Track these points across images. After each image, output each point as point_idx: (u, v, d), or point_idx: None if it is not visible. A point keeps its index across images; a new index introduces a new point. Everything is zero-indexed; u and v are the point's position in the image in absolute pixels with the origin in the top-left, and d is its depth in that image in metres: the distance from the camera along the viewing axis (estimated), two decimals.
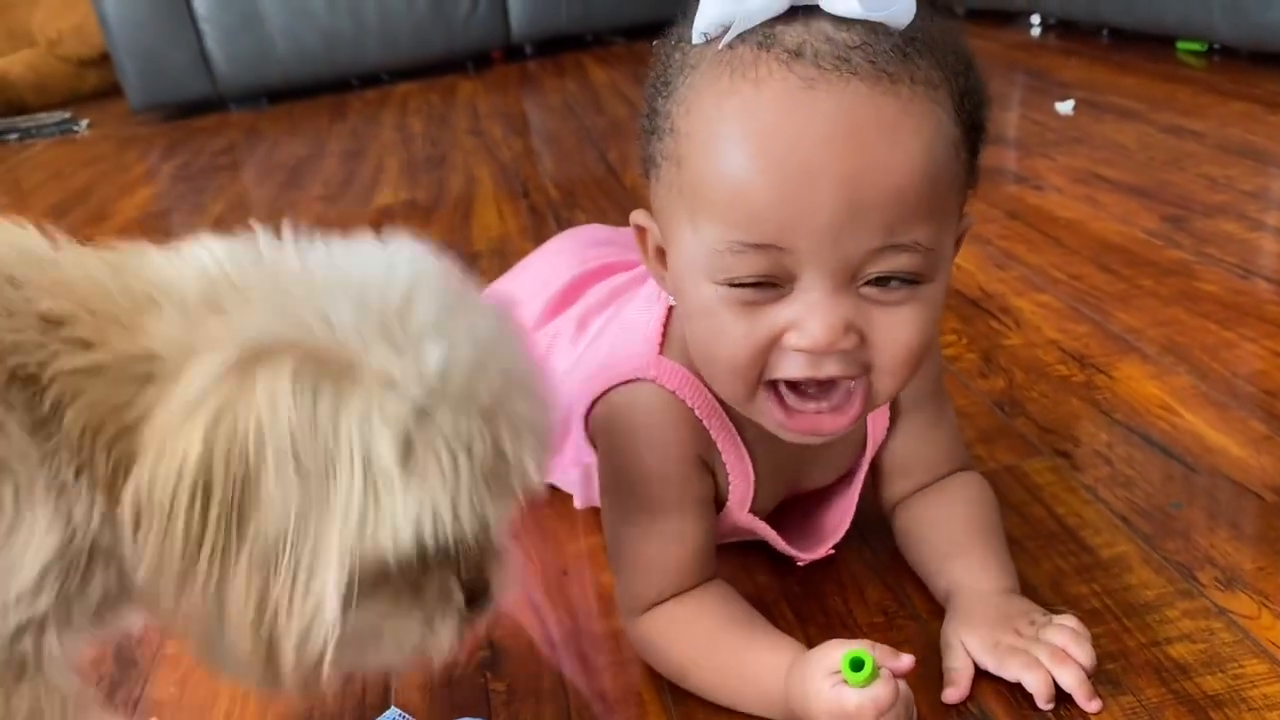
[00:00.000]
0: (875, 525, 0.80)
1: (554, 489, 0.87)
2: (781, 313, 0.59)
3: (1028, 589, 0.71)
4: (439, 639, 0.54)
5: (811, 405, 0.62)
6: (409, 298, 0.49)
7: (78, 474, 0.48)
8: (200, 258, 0.51)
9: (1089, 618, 0.68)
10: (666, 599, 0.69)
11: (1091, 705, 0.62)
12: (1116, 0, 2.34)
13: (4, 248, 0.51)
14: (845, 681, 0.58)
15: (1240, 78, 2.00)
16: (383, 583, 0.50)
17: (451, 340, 0.49)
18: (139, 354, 0.48)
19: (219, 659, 0.51)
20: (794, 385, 0.62)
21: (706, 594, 0.70)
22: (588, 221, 1.45)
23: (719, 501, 0.73)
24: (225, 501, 0.46)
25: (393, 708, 0.68)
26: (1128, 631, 0.68)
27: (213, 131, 3.05)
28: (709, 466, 0.71)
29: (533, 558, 0.85)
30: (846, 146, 0.55)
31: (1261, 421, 0.89)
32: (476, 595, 0.54)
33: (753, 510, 0.74)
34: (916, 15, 0.57)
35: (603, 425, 0.72)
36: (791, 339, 0.59)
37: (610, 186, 1.90)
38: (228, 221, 1.99)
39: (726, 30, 0.58)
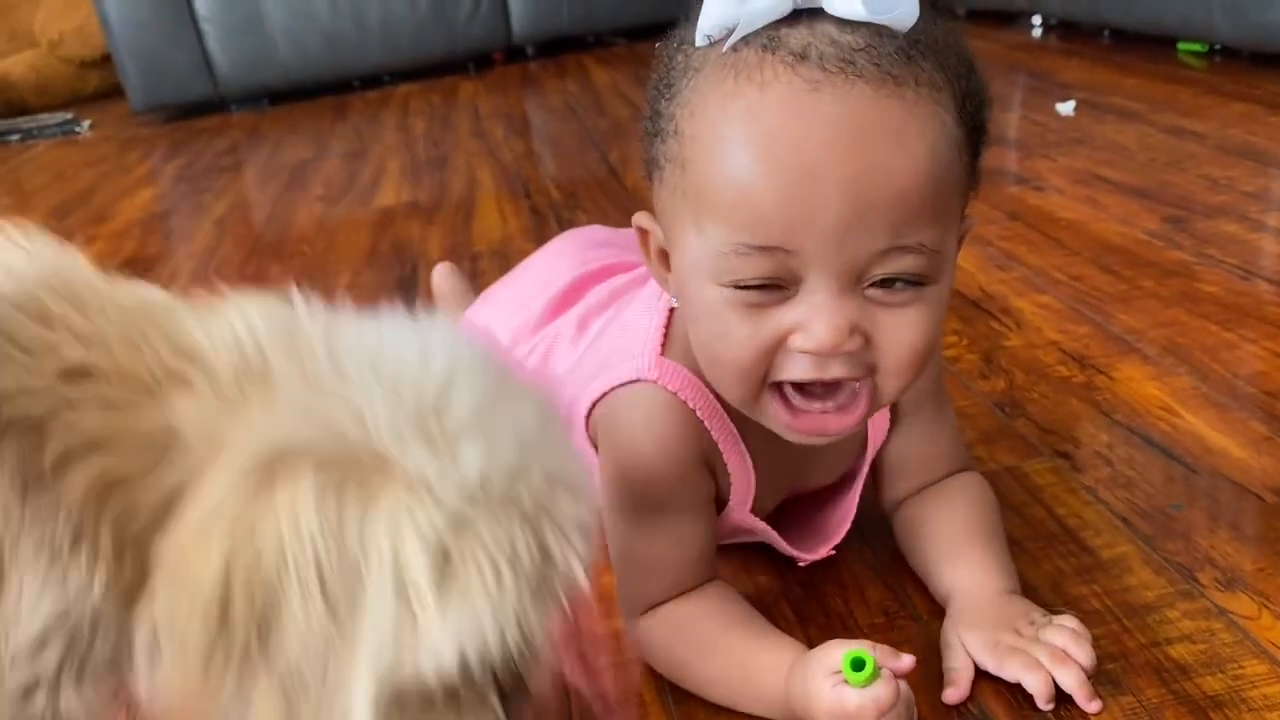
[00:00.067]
0: (876, 526, 0.80)
1: None
2: (786, 315, 0.59)
3: (1028, 590, 0.71)
4: None
5: (817, 405, 0.62)
6: (445, 389, 0.46)
7: (75, 540, 0.45)
8: (235, 328, 0.48)
9: (1089, 618, 0.68)
10: (667, 599, 0.69)
11: (1091, 706, 0.62)
12: (1117, 1, 2.34)
13: (49, 274, 0.49)
14: (846, 681, 0.58)
15: (1241, 78, 2.00)
16: (415, 700, 0.46)
17: (491, 439, 0.45)
18: (161, 430, 0.45)
19: None
20: (799, 386, 0.62)
21: (707, 594, 0.70)
22: (589, 222, 1.45)
23: (720, 502, 0.73)
24: (246, 627, 0.43)
25: None
26: (1128, 632, 0.68)
27: (214, 133, 3.05)
28: (710, 467, 0.71)
29: None
30: (852, 149, 0.55)
31: (1262, 422, 0.89)
32: (513, 693, 0.51)
33: (753, 511, 0.74)
34: (919, 18, 0.57)
35: (604, 426, 0.72)
36: (797, 341, 0.59)
37: (611, 187, 1.90)
38: (230, 221, 2.01)
39: (730, 33, 0.58)
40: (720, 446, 0.70)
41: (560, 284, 0.89)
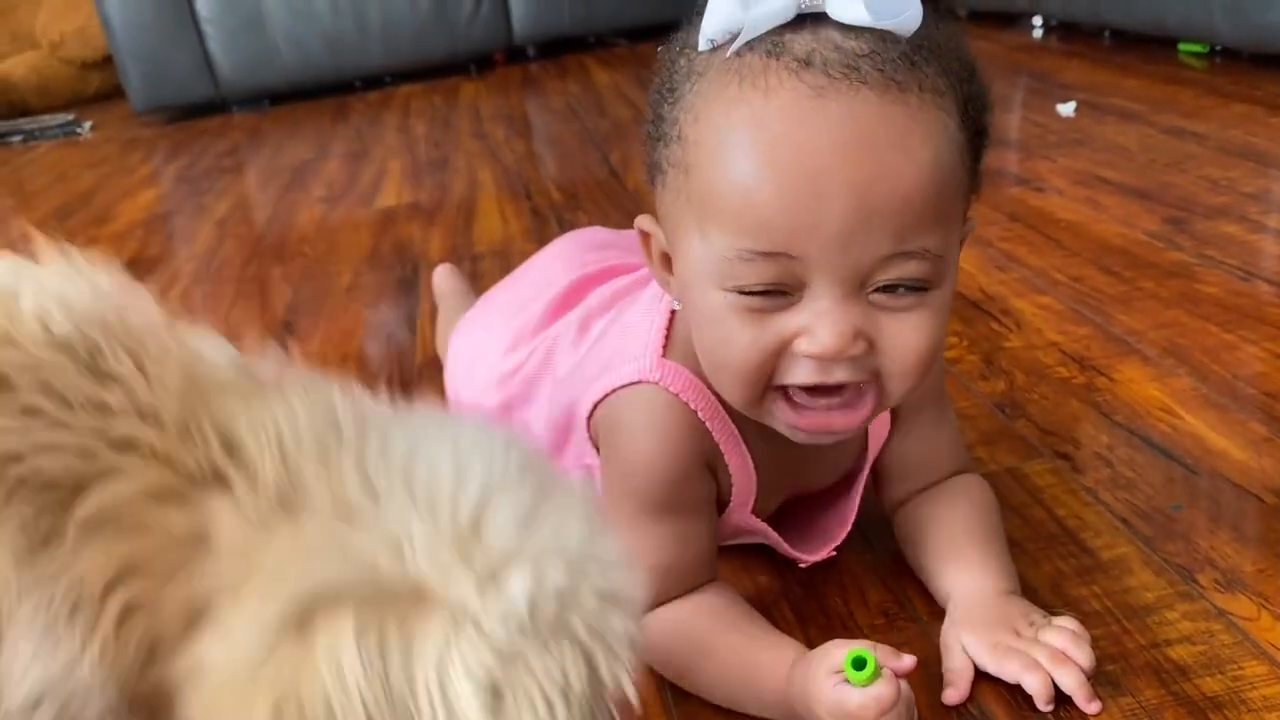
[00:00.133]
0: (877, 527, 0.80)
1: None
2: (791, 319, 0.59)
3: (1028, 591, 0.72)
4: None
5: (822, 402, 0.63)
6: (484, 506, 0.43)
7: (74, 611, 0.42)
8: (279, 426, 0.45)
9: (1089, 619, 0.68)
10: (668, 600, 0.69)
11: (1091, 707, 0.62)
12: (1118, 2, 2.34)
13: (111, 317, 0.46)
14: (847, 681, 0.59)
15: (1241, 79, 2.00)
16: None
17: (537, 561, 0.42)
18: (193, 533, 0.43)
19: None
20: (803, 387, 0.62)
21: (707, 595, 0.70)
22: (590, 223, 1.45)
23: (721, 503, 0.73)
24: None
25: None
26: (1127, 633, 0.68)
27: (215, 134, 3.05)
28: (711, 468, 0.71)
29: None
30: (856, 155, 0.55)
31: (1262, 424, 0.89)
32: None
33: (754, 512, 0.74)
34: (923, 22, 0.57)
35: (605, 427, 0.72)
36: (801, 345, 0.59)
37: (612, 188, 1.90)
38: (231, 223, 2.01)
39: (734, 37, 0.58)
40: (722, 448, 0.70)
41: (561, 286, 0.89)
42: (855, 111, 0.55)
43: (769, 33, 0.57)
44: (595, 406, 0.72)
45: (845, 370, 0.60)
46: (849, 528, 0.77)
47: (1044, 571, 0.75)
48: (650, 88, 0.65)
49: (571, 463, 0.80)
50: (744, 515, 0.74)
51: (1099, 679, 0.64)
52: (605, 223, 1.33)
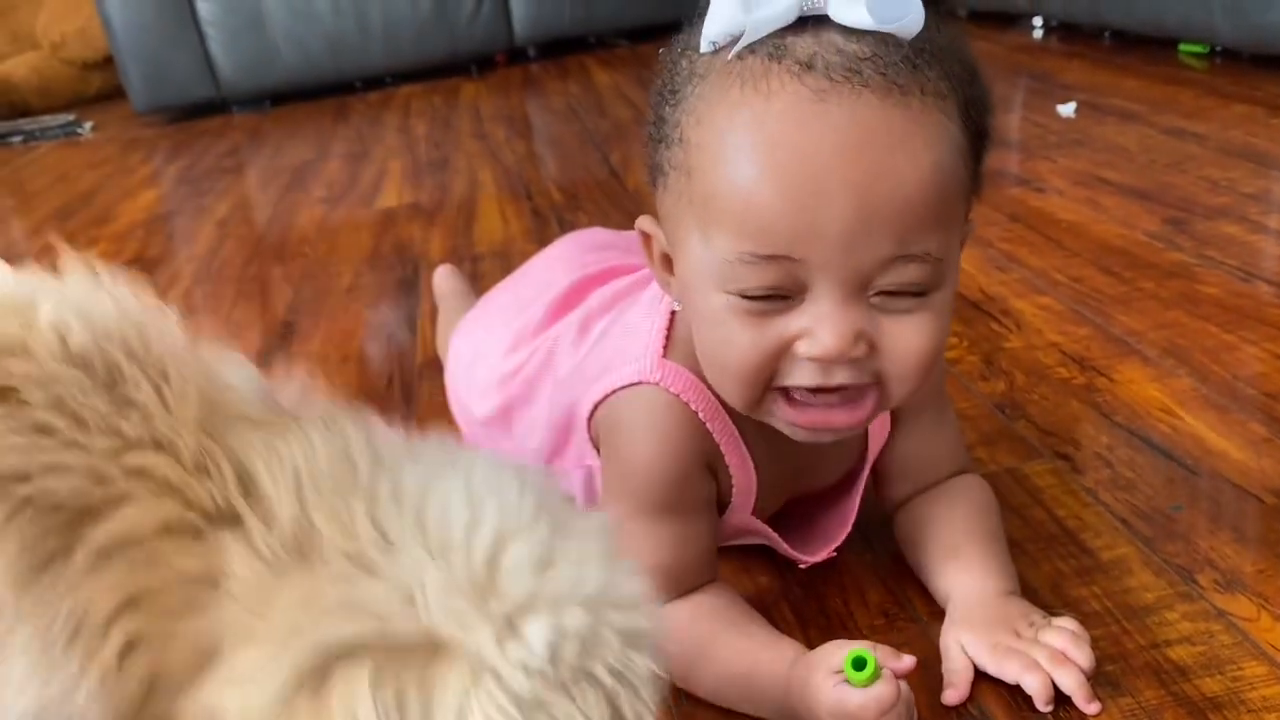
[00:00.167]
0: (877, 528, 0.80)
1: None
2: (792, 322, 0.59)
3: (1028, 591, 0.72)
4: None
5: (823, 399, 0.63)
6: (498, 549, 0.42)
7: (72, 638, 0.41)
8: (297, 462, 0.44)
9: (1089, 620, 0.68)
10: (668, 601, 0.69)
11: (1091, 707, 0.62)
12: (1118, 2, 2.34)
13: (132, 334, 0.45)
14: (847, 681, 0.59)
15: (1242, 80, 2.00)
16: None
17: (556, 605, 0.41)
18: (204, 571, 0.42)
19: None
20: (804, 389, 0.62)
21: (708, 596, 0.70)
22: (590, 224, 1.45)
23: (721, 504, 0.73)
24: None
25: None
26: (1127, 634, 0.69)
27: (216, 134, 3.05)
28: (712, 469, 0.71)
29: None
30: (859, 158, 0.55)
31: (1262, 424, 0.89)
32: None
33: (755, 513, 0.74)
34: (924, 25, 0.57)
35: (606, 428, 0.72)
36: (802, 348, 0.59)
37: (613, 189, 1.91)
38: (231, 223, 2.01)
39: (735, 40, 0.58)
40: (722, 448, 0.71)
41: (561, 287, 0.89)
42: (857, 115, 0.55)
43: (771, 35, 0.58)
44: (596, 407, 0.73)
45: (846, 373, 0.60)
46: (849, 528, 0.77)
47: (1044, 572, 0.75)
48: (651, 89, 0.65)
49: (572, 464, 0.80)
50: (744, 516, 0.74)
51: (1099, 679, 0.64)
52: (605, 223, 1.33)
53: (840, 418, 0.63)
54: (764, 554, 0.79)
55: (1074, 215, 1.43)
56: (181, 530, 0.42)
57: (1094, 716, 0.62)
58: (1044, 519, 0.81)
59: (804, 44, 0.57)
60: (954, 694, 0.65)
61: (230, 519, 0.43)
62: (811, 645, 0.64)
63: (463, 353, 0.98)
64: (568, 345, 0.83)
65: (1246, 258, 1.21)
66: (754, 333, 0.60)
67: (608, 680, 0.42)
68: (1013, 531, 0.78)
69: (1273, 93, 1.88)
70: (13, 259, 0.52)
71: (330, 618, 0.40)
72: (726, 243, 0.58)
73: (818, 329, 0.58)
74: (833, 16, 0.57)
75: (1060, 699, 0.63)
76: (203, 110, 3.32)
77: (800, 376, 0.61)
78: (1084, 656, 0.63)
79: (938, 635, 0.69)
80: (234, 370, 0.49)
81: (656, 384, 0.69)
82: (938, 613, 0.71)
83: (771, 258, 0.57)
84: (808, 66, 0.56)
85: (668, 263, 0.66)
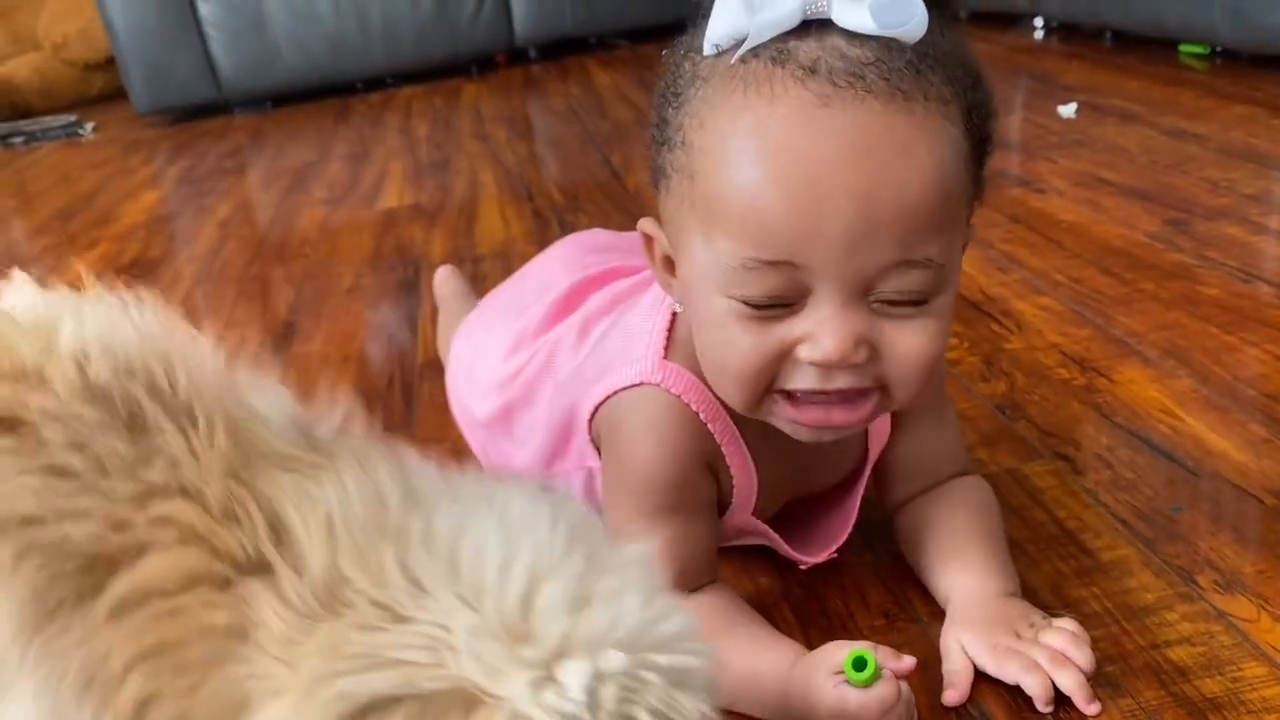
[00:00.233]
0: (877, 528, 0.80)
1: None
2: (794, 326, 0.59)
3: (1028, 592, 0.72)
4: None
5: (823, 397, 0.63)
6: (532, 591, 0.40)
7: (85, 688, 0.40)
8: (330, 505, 0.42)
9: (1089, 620, 0.68)
10: None
11: (1091, 708, 0.62)
12: (1119, 3, 2.34)
13: (157, 362, 0.44)
14: (848, 681, 0.59)
15: (1242, 81, 2.00)
16: None
17: (593, 647, 0.39)
18: (230, 626, 0.40)
19: None
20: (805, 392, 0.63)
21: (708, 596, 0.70)
22: (591, 225, 1.45)
23: (722, 504, 0.73)
24: None
25: None
26: (1127, 634, 0.69)
27: (217, 135, 3.06)
28: (712, 469, 0.71)
29: None
30: (861, 164, 0.56)
31: (1262, 425, 0.89)
32: None
33: (756, 513, 0.74)
34: (928, 30, 0.57)
35: (607, 429, 0.72)
36: (804, 352, 0.60)
37: (614, 190, 1.91)
38: (233, 224, 2.01)
39: (739, 43, 0.58)
40: (723, 449, 0.71)
41: (562, 289, 0.89)
42: (860, 120, 0.56)
43: (774, 39, 0.58)
44: (597, 409, 0.73)
45: (847, 377, 0.60)
46: (850, 529, 0.78)
47: (1044, 573, 0.75)
48: (654, 91, 0.65)
49: (573, 465, 0.81)
50: (745, 516, 0.74)
51: (1099, 680, 0.64)
52: (606, 224, 1.33)
53: (840, 416, 0.63)
54: (765, 555, 0.79)
55: (1074, 216, 1.43)
56: (208, 581, 0.41)
57: (1094, 717, 0.63)
58: (1044, 520, 0.81)
59: (808, 48, 0.57)
60: (954, 694, 0.65)
61: (261, 568, 0.41)
62: (812, 646, 0.64)
63: (463, 354, 0.98)
64: (568, 347, 0.83)
65: (1247, 259, 1.22)
66: (755, 336, 0.60)
67: None
68: (1013, 532, 0.78)
69: (1273, 93, 1.88)
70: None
71: (360, 669, 0.39)
72: (728, 247, 0.59)
73: (819, 334, 0.58)
74: (836, 21, 0.57)
75: (1060, 700, 0.63)
76: (204, 111, 3.32)
77: (801, 380, 0.61)
78: (1084, 657, 0.63)
79: (938, 636, 0.69)
80: (268, 400, 0.48)
81: (658, 385, 0.69)
82: (938, 613, 0.71)
83: (773, 263, 0.57)
84: (811, 71, 0.56)
85: (669, 265, 0.66)
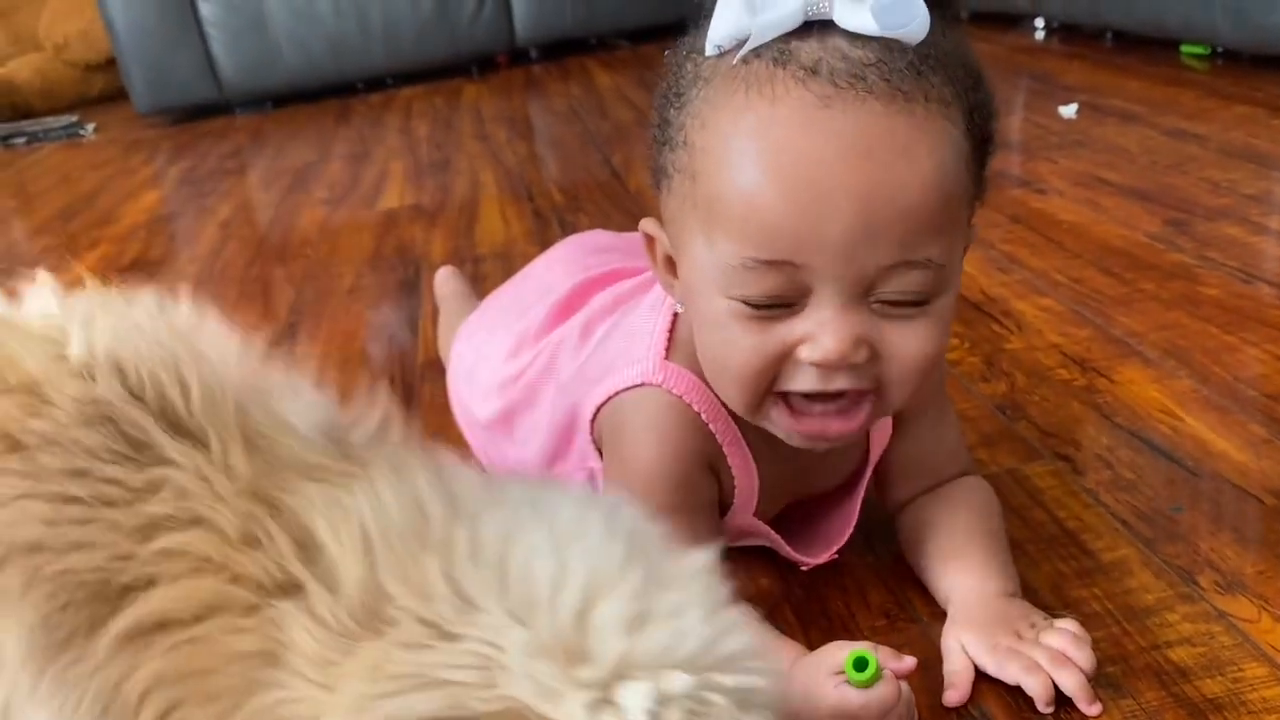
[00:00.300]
0: (878, 529, 0.80)
1: None
2: (794, 326, 0.60)
3: (1028, 592, 0.72)
4: None
5: (819, 408, 0.63)
6: (588, 607, 0.37)
7: (101, 716, 0.38)
8: (364, 518, 0.40)
9: (1089, 621, 0.68)
10: None
11: (1092, 709, 0.63)
12: (1120, 3, 2.34)
13: (175, 373, 0.42)
14: (849, 682, 0.59)
15: (1243, 81, 2.00)
16: None
17: (654, 667, 0.36)
18: (257, 651, 0.38)
19: None
20: (805, 393, 0.63)
21: None
22: (592, 225, 1.45)
23: (723, 505, 0.73)
24: None
25: None
26: (1128, 635, 0.69)
27: (218, 135, 3.06)
28: (714, 470, 0.71)
29: None
30: (862, 165, 0.56)
31: (1262, 425, 0.89)
32: None
33: (757, 514, 0.74)
34: (929, 31, 0.57)
35: (609, 429, 0.72)
36: (804, 352, 0.60)
37: (614, 191, 1.91)
38: (233, 224, 2.01)
39: (740, 43, 0.58)
40: (724, 450, 0.71)
41: (563, 290, 0.89)
42: (861, 121, 0.56)
43: (776, 40, 0.58)
44: (599, 409, 0.73)
45: (847, 378, 0.60)
46: (851, 530, 0.78)
47: (1044, 573, 0.75)
48: (656, 91, 0.66)
49: (574, 466, 0.81)
50: (746, 517, 0.74)
51: (1099, 681, 0.64)
52: (607, 225, 1.33)
53: (836, 427, 0.63)
54: (766, 556, 0.79)
55: (1075, 216, 1.43)
56: (230, 608, 0.39)
57: (1095, 718, 0.63)
58: (1045, 520, 0.81)
59: (809, 49, 0.57)
60: (955, 695, 0.65)
61: (290, 588, 0.39)
62: (813, 646, 0.64)
63: (465, 355, 0.98)
64: (570, 349, 0.83)
65: (1247, 259, 1.22)
66: (756, 337, 0.60)
67: None
68: (1013, 532, 0.78)
69: (1274, 94, 1.88)
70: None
71: (405, 689, 0.36)
72: (729, 247, 0.59)
73: (820, 334, 0.59)
74: (838, 21, 0.57)
75: (1061, 700, 0.63)
76: (205, 111, 3.32)
77: (801, 381, 0.61)
78: (1085, 658, 0.63)
79: (939, 636, 0.69)
80: (298, 405, 0.46)
81: (659, 385, 0.69)
82: (939, 614, 0.71)
83: (774, 263, 0.58)
84: (813, 72, 0.56)
85: (671, 265, 0.66)
